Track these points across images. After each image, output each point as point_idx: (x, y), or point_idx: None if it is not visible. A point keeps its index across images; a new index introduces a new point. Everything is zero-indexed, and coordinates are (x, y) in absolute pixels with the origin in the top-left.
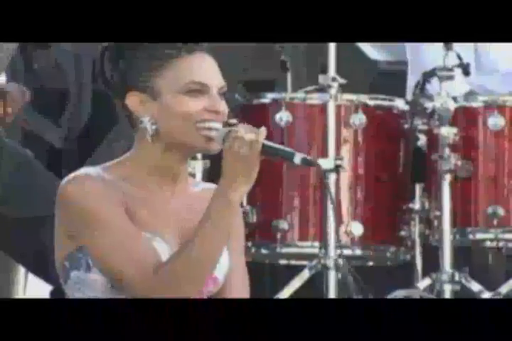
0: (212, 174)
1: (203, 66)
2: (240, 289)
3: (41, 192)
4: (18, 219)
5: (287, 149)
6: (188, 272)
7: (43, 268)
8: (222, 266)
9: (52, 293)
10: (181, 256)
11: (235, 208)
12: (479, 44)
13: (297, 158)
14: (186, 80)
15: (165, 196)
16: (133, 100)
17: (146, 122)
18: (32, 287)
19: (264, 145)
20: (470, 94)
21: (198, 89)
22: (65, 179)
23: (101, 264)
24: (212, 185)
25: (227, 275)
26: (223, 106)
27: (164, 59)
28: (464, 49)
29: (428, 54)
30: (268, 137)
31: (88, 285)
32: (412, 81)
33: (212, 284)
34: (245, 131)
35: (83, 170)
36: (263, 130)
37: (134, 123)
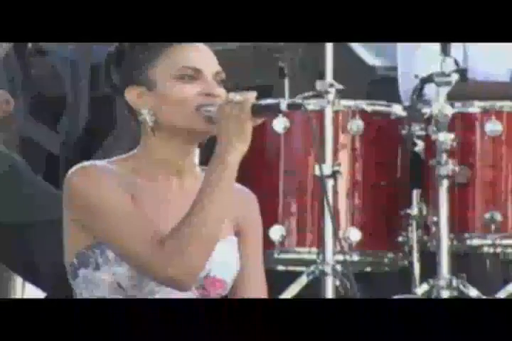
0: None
1: (194, 52)
2: (254, 295)
3: (28, 198)
4: (2, 225)
5: (272, 101)
6: (193, 236)
7: (32, 275)
8: (229, 269)
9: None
10: (186, 221)
11: (233, 169)
12: (470, 55)
13: (283, 105)
14: (178, 66)
15: (171, 188)
16: (131, 94)
17: (145, 114)
18: (31, 287)
19: (253, 105)
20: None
21: (191, 75)
22: (71, 170)
23: (113, 245)
24: None
25: (241, 280)
26: (220, 91)
27: (157, 49)
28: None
29: (420, 59)
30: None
31: (95, 284)
32: (403, 87)
33: (220, 287)
34: (235, 95)
35: (88, 162)
36: (252, 92)
37: (137, 118)
